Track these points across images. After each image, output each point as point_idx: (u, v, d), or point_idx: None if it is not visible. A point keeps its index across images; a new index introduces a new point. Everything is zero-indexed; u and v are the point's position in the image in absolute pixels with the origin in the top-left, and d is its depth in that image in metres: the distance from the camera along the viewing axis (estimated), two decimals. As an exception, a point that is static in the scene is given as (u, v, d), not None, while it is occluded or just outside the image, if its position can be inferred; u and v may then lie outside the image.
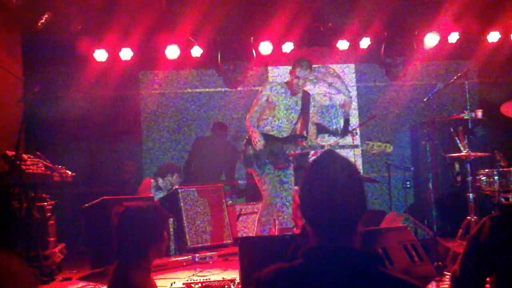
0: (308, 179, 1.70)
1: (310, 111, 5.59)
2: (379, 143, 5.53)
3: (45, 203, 5.58)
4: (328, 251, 1.60)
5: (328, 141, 6.55)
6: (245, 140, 5.56)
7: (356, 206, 1.63)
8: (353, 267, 1.55)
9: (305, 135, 5.57)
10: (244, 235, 7.21)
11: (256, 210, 7.31)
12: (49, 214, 5.59)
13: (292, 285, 1.58)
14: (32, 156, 5.30)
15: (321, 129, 6.73)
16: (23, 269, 0.89)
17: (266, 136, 5.42)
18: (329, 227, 1.62)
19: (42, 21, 6.98)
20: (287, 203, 5.40)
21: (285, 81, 5.65)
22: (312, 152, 5.81)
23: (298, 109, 5.49)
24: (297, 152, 5.46)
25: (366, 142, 5.65)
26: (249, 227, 7.28)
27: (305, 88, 5.74)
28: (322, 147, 5.53)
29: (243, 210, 7.39)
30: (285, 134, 5.46)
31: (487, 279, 2.34)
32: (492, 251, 2.23)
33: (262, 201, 5.47)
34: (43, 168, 5.31)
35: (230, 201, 7.70)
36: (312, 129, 5.66)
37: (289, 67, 9.05)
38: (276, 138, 5.42)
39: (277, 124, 5.44)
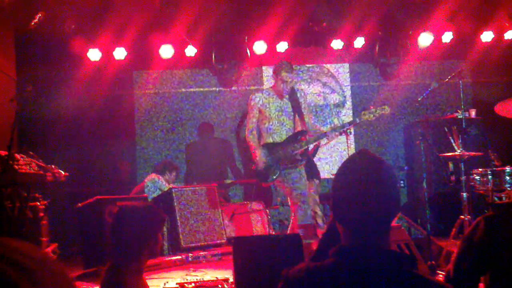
0: (341, 178, 1.68)
1: (302, 105, 5.54)
2: (375, 109, 5.44)
3: (38, 203, 5.54)
4: (361, 251, 1.57)
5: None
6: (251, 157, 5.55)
7: (389, 205, 1.61)
8: (388, 268, 1.52)
9: (304, 129, 5.54)
10: (238, 235, 7.19)
11: (250, 210, 7.31)
12: (42, 214, 5.55)
13: (324, 284, 1.55)
14: (24, 156, 5.26)
15: None
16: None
17: (269, 146, 5.39)
18: (362, 226, 1.59)
19: (35, 20, 6.95)
20: (303, 200, 5.37)
21: (269, 86, 5.60)
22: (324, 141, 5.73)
23: (289, 111, 5.46)
24: (303, 149, 5.42)
25: (363, 112, 5.56)
26: (243, 226, 7.26)
27: (297, 87, 5.71)
28: (324, 134, 5.48)
29: (237, 209, 7.37)
30: (277, 138, 5.42)
31: (481, 278, 2.34)
32: (486, 251, 2.23)
33: (295, 202, 5.39)
34: (36, 167, 5.27)
35: (230, 181, 7.74)
36: (309, 121, 5.59)
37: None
38: (279, 144, 5.39)
39: (271, 130, 5.41)
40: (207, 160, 8.68)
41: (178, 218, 6.73)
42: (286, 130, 5.43)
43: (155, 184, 7.38)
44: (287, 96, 5.46)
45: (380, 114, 5.43)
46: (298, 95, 5.51)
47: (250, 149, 5.48)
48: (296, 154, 5.36)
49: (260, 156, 5.32)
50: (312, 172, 6.48)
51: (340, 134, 5.54)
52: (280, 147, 5.36)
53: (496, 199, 6.00)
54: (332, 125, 5.88)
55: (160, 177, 7.51)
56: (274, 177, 5.34)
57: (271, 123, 5.40)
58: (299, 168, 5.43)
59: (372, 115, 5.41)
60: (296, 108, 5.48)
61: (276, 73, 5.39)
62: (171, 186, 7.12)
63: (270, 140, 5.41)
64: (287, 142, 5.39)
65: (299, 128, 5.58)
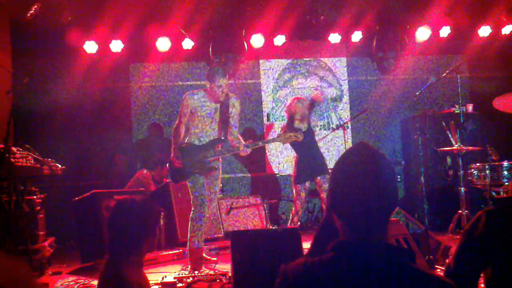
0: (340, 171, 1.65)
1: (231, 115, 5.55)
2: (290, 134, 5.63)
3: (35, 197, 5.52)
4: (361, 245, 1.55)
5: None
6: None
7: (389, 199, 1.59)
8: (387, 263, 1.51)
9: (222, 138, 5.55)
10: (235, 228, 7.19)
11: (247, 204, 7.31)
12: (38, 207, 5.53)
13: (323, 279, 1.53)
14: (21, 149, 5.23)
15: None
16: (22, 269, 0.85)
17: (187, 148, 5.41)
18: (361, 220, 1.57)
19: (31, 12, 6.90)
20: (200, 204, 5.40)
21: (203, 88, 5.61)
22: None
23: (216, 117, 5.47)
24: (216, 157, 5.47)
25: (278, 134, 5.79)
26: (240, 220, 7.26)
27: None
28: (237, 148, 5.50)
29: (234, 203, 7.36)
30: (198, 141, 5.45)
31: (481, 273, 2.33)
32: (487, 246, 2.22)
33: (194, 206, 5.42)
34: (32, 161, 5.24)
35: (221, 195, 7.68)
36: (235, 132, 5.63)
37: (281, 60, 9.15)
38: (196, 146, 5.42)
39: (201, 134, 5.43)
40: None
41: (175, 212, 6.72)
42: (209, 135, 5.46)
43: (146, 180, 7.41)
44: (219, 102, 5.48)
45: (292, 140, 5.60)
46: (230, 104, 5.54)
47: (172, 145, 5.50)
48: (209, 162, 5.40)
49: (177, 156, 5.37)
50: (312, 172, 6.51)
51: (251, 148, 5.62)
52: (197, 151, 5.40)
53: (494, 193, 6.01)
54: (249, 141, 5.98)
55: (146, 172, 7.56)
56: (186, 179, 5.38)
57: (197, 125, 5.44)
58: (217, 173, 5.51)
59: (285, 140, 5.58)
60: (224, 116, 5.50)
61: (210, 78, 5.41)
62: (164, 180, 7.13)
63: (192, 141, 5.45)
64: (203, 147, 5.42)
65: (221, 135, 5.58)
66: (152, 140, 8.78)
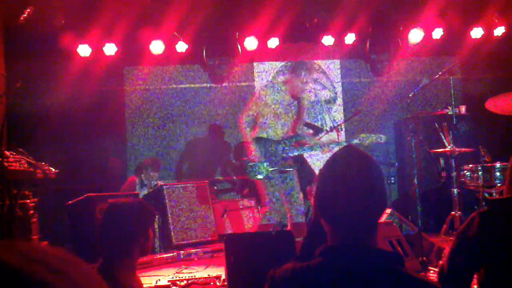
0: (327, 175, 1.64)
1: (302, 111, 5.54)
2: (372, 135, 5.61)
3: (28, 200, 5.50)
4: (349, 250, 1.54)
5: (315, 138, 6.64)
6: (243, 150, 5.47)
7: (377, 202, 1.58)
8: (376, 267, 1.50)
9: (299, 133, 5.51)
10: (230, 231, 7.18)
11: (241, 207, 7.30)
12: (32, 211, 5.51)
13: (311, 285, 1.52)
14: (14, 153, 5.22)
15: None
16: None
17: (263, 141, 5.30)
18: (349, 224, 1.56)
19: (24, 15, 6.88)
20: (274, 199, 5.36)
21: (283, 82, 5.45)
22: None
23: (293, 112, 5.38)
24: (295, 154, 5.40)
25: (361, 136, 5.73)
26: (234, 223, 7.26)
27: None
28: (311, 146, 5.53)
29: (228, 206, 7.36)
30: (270, 135, 5.35)
31: (474, 275, 2.34)
32: (481, 247, 2.23)
33: (267, 204, 5.36)
34: (25, 164, 5.23)
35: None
36: (303, 129, 5.61)
37: (275, 63, 9.14)
38: (272, 141, 5.30)
39: (266, 124, 5.34)
40: (206, 158, 8.68)
41: (169, 215, 6.72)
42: (282, 129, 5.33)
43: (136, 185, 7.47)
44: (298, 97, 5.36)
45: (374, 141, 5.59)
46: (305, 101, 5.47)
47: (244, 136, 5.37)
48: (287, 157, 5.31)
49: (255, 149, 5.21)
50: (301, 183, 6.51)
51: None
52: (273, 145, 5.27)
53: (486, 195, 6.03)
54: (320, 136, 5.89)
55: (136, 178, 7.60)
56: (264, 174, 5.26)
57: (270, 118, 5.29)
58: (288, 172, 5.36)
59: (366, 141, 5.55)
60: (299, 112, 5.43)
61: (295, 71, 5.25)
62: (157, 183, 7.14)
63: (264, 135, 5.29)
64: (280, 142, 5.31)
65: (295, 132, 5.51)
66: (213, 140, 8.84)
